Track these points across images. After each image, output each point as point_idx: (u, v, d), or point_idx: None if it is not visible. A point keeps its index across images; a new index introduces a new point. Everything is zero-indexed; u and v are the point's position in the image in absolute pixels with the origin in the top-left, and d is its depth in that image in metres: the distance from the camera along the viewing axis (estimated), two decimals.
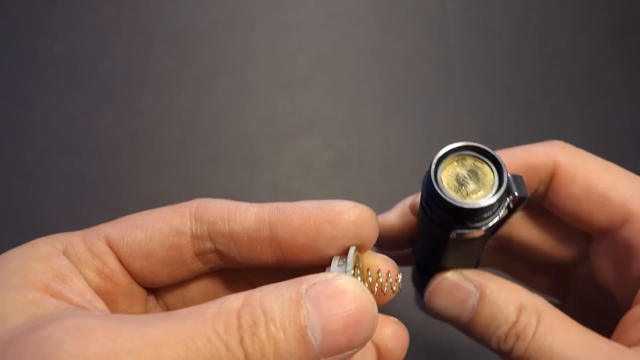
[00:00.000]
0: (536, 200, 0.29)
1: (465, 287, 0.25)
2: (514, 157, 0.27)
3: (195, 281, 0.27)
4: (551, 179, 0.27)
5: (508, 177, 0.22)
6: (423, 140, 0.54)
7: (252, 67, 0.57)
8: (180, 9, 0.59)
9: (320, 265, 0.23)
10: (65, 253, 0.22)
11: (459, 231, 0.22)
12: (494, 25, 0.60)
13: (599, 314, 0.30)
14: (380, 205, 0.52)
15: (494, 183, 0.22)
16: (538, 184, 0.27)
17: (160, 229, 0.23)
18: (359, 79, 0.57)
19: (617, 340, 0.24)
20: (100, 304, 0.22)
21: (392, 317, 0.23)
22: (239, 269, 0.27)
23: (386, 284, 0.23)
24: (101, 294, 0.23)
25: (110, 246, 0.23)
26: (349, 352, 0.18)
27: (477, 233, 0.22)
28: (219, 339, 0.17)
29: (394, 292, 0.23)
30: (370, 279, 0.22)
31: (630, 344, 0.24)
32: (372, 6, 0.61)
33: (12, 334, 0.17)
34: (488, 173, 0.22)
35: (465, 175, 0.22)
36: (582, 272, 0.31)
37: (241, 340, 0.17)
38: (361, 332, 0.18)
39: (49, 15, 0.58)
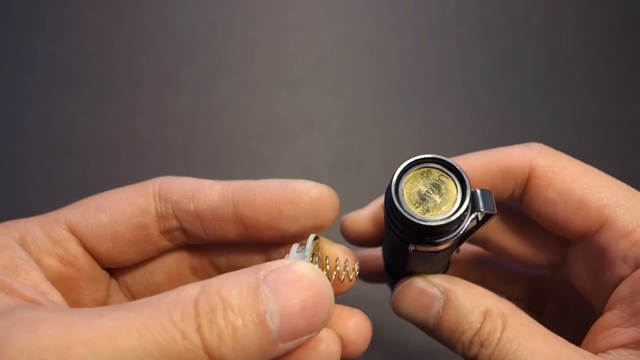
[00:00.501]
0: (512, 204, 0.28)
1: (431, 292, 0.25)
2: (489, 159, 0.27)
3: (160, 268, 0.26)
4: (527, 182, 0.26)
5: (472, 193, 0.21)
6: (423, 140, 0.54)
7: (252, 67, 0.57)
8: (180, 9, 0.59)
9: (283, 243, 0.23)
10: (22, 242, 0.22)
11: (418, 246, 0.21)
12: (494, 25, 0.60)
13: (577, 322, 0.29)
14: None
15: (456, 199, 0.21)
16: (514, 187, 0.27)
17: (124, 209, 0.23)
18: (359, 79, 0.57)
19: (586, 348, 0.24)
20: (56, 296, 0.21)
21: (356, 309, 0.23)
22: (205, 254, 0.26)
23: (344, 273, 0.23)
24: (63, 280, 0.22)
25: (73, 231, 0.23)
26: (306, 337, 0.18)
27: (437, 248, 0.21)
28: (175, 327, 0.16)
29: (350, 280, 0.23)
30: (328, 267, 0.22)
31: (597, 351, 0.23)
32: (372, 6, 0.61)
33: None
34: (452, 188, 0.22)
35: (429, 189, 0.22)
36: (560, 278, 0.31)
37: (198, 328, 0.16)
38: (318, 316, 0.18)
39: (49, 15, 0.58)
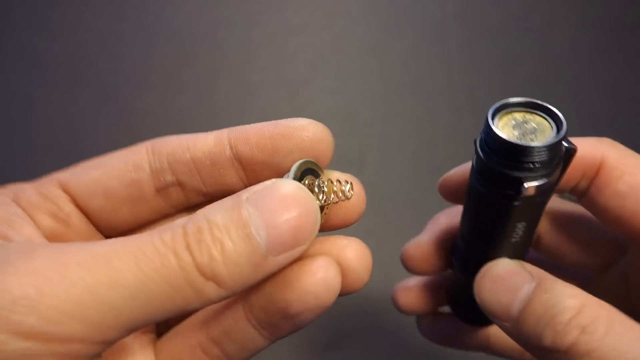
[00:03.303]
0: (572, 197, 0.27)
1: (522, 273, 0.23)
2: None
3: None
4: (597, 173, 0.25)
5: (564, 124, 0.22)
6: (423, 140, 0.54)
7: (252, 67, 0.57)
8: (180, 9, 0.59)
9: None
10: (16, 200, 0.22)
11: (529, 184, 0.21)
12: (494, 25, 0.60)
13: None
14: (380, 205, 0.52)
15: (551, 127, 0.22)
16: (581, 178, 0.25)
17: (117, 166, 0.23)
18: (359, 79, 0.57)
19: None
20: None
21: (355, 238, 0.22)
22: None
23: (341, 193, 0.23)
24: (56, 238, 0.22)
25: (66, 190, 0.23)
26: (296, 249, 0.18)
27: (550, 180, 0.21)
28: (166, 247, 0.17)
29: (348, 198, 0.23)
30: (325, 189, 0.22)
31: None
32: (372, 6, 0.61)
33: None
34: (541, 121, 0.23)
35: (521, 125, 0.22)
36: (606, 282, 0.29)
37: (187, 246, 0.17)
38: (304, 226, 0.18)
39: (49, 15, 0.58)
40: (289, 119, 0.22)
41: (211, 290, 0.17)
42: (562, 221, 0.29)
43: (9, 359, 0.15)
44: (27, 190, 0.22)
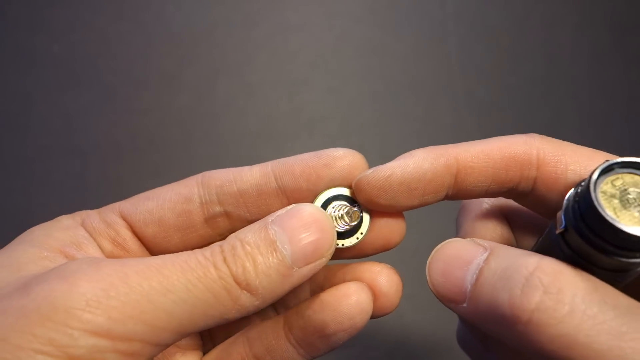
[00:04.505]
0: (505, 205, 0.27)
1: (473, 247, 0.21)
2: (491, 147, 0.24)
3: None
4: (538, 170, 0.23)
5: None
6: (423, 140, 0.54)
7: (252, 67, 0.57)
8: (180, 9, 0.59)
9: None
10: (83, 225, 0.25)
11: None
12: (494, 25, 0.60)
13: None
14: None
15: None
16: (519, 179, 0.23)
17: (170, 197, 0.25)
18: (359, 79, 0.57)
19: None
20: None
21: (387, 265, 0.24)
22: None
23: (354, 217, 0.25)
24: None
25: (125, 218, 0.25)
26: (317, 263, 0.21)
27: None
28: (207, 260, 0.20)
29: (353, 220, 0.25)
30: (349, 216, 0.25)
31: None
32: (372, 6, 0.61)
33: (29, 277, 0.19)
34: None
35: (623, 193, 0.18)
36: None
37: (224, 260, 0.20)
38: (322, 241, 0.21)
39: (49, 15, 0.58)
40: (329, 149, 0.25)
41: (246, 298, 0.20)
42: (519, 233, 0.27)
43: (79, 354, 0.18)
44: (92, 216, 0.25)
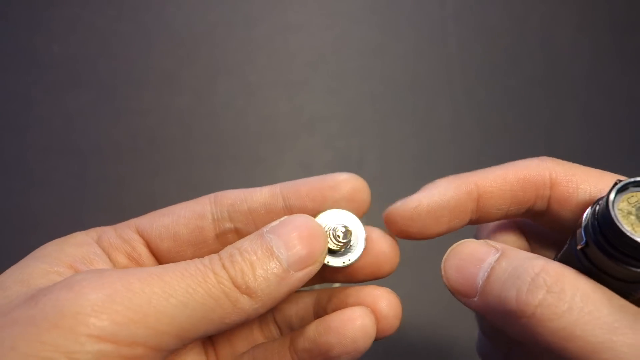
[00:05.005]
0: (526, 221, 0.28)
1: (487, 247, 0.23)
2: (506, 171, 0.25)
3: None
4: (552, 190, 0.25)
5: None
6: (423, 140, 0.54)
7: (252, 67, 0.57)
8: (180, 9, 0.59)
9: None
10: (99, 241, 0.26)
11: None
12: (494, 25, 0.60)
13: None
14: (380, 205, 0.52)
15: None
16: (535, 199, 0.25)
17: (184, 214, 0.27)
18: (359, 79, 0.57)
19: None
20: None
21: (387, 289, 0.26)
22: None
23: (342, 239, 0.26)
24: None
25: (141, 234, 0.26)
26: (312, 267, 0.23)
27: None
28: (206, 267, 0.21)
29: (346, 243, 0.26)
30: (344, 238, 0.26)
31: None
32: (372, 6, 0.61)
33: (37, 289, 0.20)
34: None
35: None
36: None
37: (223, 265, 0.21)
38: (316, 245, 0.23)
39: (49, 15, 0.58)
40: (334, 174, 0.27)
41: (245, 301, 0.21)
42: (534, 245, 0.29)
43: None
44: (108, 232, 0.27)
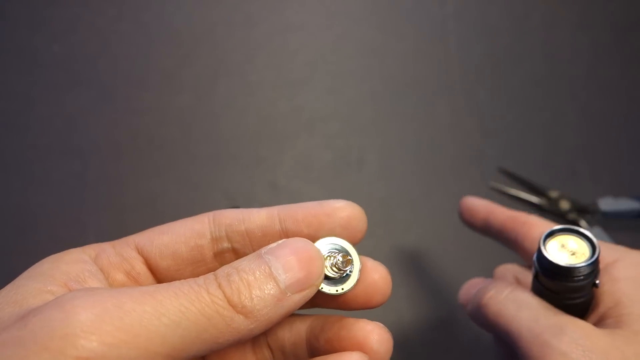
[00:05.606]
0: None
1: (481, 280, 0.36)
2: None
3: None
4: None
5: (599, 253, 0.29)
6: (423, 140, 0.54)
7: (252, 67, 0.57)
8: (180, 9, 0.59)
9: None
10: (97, 259, 0.26)
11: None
12: (494, 25, 0.60)
13: None
14: (380, 205, 0.52)
15: (587, 249, 0.29)
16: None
17: (184, 232, 0.27)
18: (359, 79, 0.57)
19: None
20: None
21: (379, 323, 0.26)
22: None
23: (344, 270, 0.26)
24: None
25: (140, 252, 0.26)
26: (308, 290, 0.23)
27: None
28: (200, 287, 0.21)
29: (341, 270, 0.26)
30: (339, 267, 0.26)
31: None
32: (372, 6, 0.61)
33: (27, 310, 0.20)
34: (580, 243, 0.30)
35: (564, 245, 0.30)
36: None
37: (219, 285, 0.21)
38: (313, 268, 0.23)
39: (49, 15, 0.58)
40: (331, 200, 0.27)
41: (240, 321, 0.21)
42: None
43: None
44: (107, 250, 0.26)
